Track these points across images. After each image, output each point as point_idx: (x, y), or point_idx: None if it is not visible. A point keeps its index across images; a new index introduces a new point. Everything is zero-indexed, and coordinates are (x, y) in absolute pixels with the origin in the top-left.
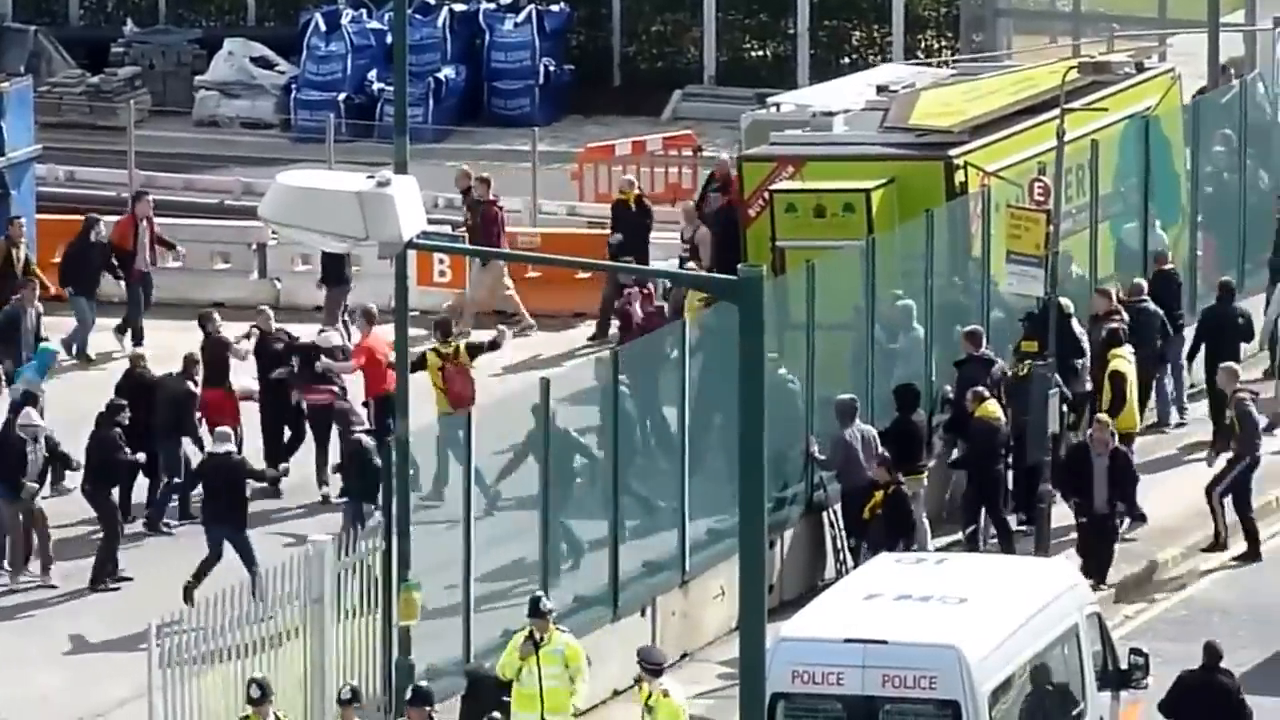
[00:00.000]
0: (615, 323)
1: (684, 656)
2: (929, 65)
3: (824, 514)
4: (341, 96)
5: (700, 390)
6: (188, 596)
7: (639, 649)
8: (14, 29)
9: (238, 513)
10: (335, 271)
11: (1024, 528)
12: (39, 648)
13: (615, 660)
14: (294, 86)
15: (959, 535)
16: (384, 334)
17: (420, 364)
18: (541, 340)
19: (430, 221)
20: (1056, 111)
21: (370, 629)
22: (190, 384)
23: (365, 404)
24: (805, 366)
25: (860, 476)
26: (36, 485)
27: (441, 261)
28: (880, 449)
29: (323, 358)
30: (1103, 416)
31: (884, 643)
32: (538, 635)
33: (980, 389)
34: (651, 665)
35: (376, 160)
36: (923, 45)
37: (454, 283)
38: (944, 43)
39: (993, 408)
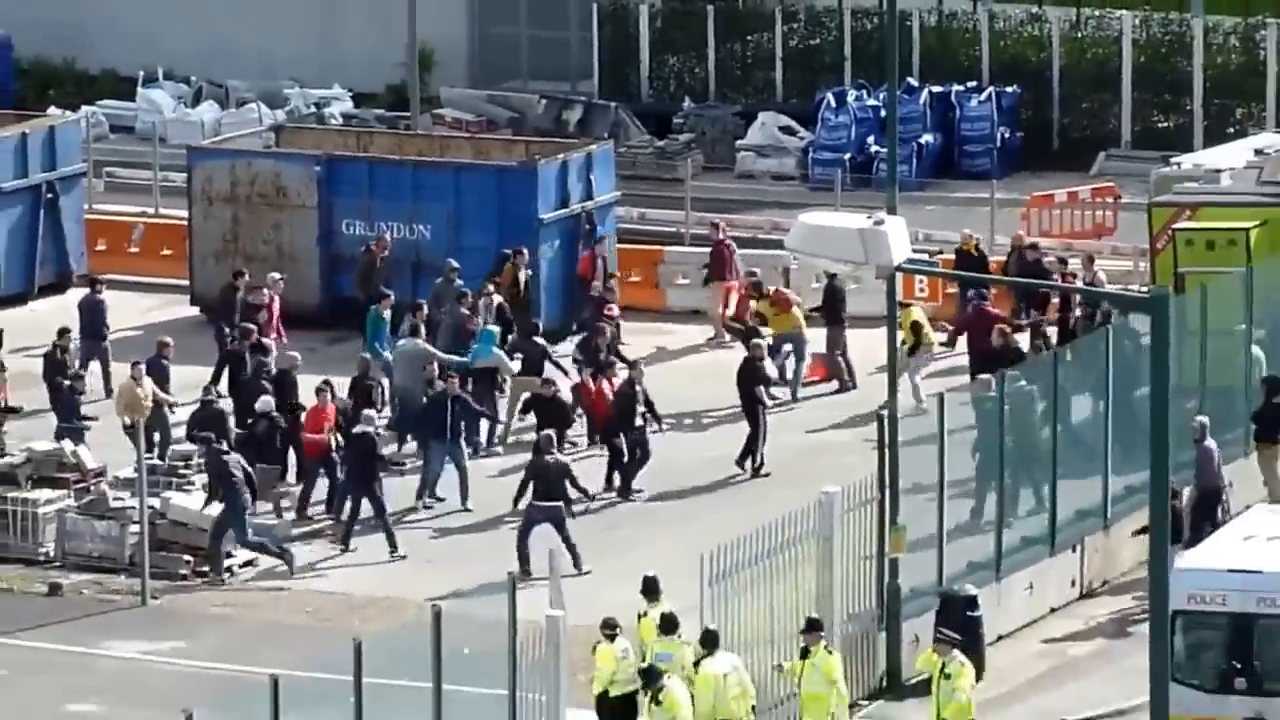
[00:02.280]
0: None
1: (1104, 584)
2: None
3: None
4: (847, 156)
5: (1117, 380)
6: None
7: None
8: (599, 105)
9: None
10: (833, 311)
11: None
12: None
13: (1052, 586)
14: (811, 148)
15: None
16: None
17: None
18: None
19: (913, 251)
20: None
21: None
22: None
23: None
24: (1198, 366)
25: (1211, 481)
26: None
27: (921, 281)
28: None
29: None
30: None
31: (1259, 572)
32: (808, 646)
33: None
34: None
35: (873, 205)
36: None
37: (930, 297)
38: None
39: None
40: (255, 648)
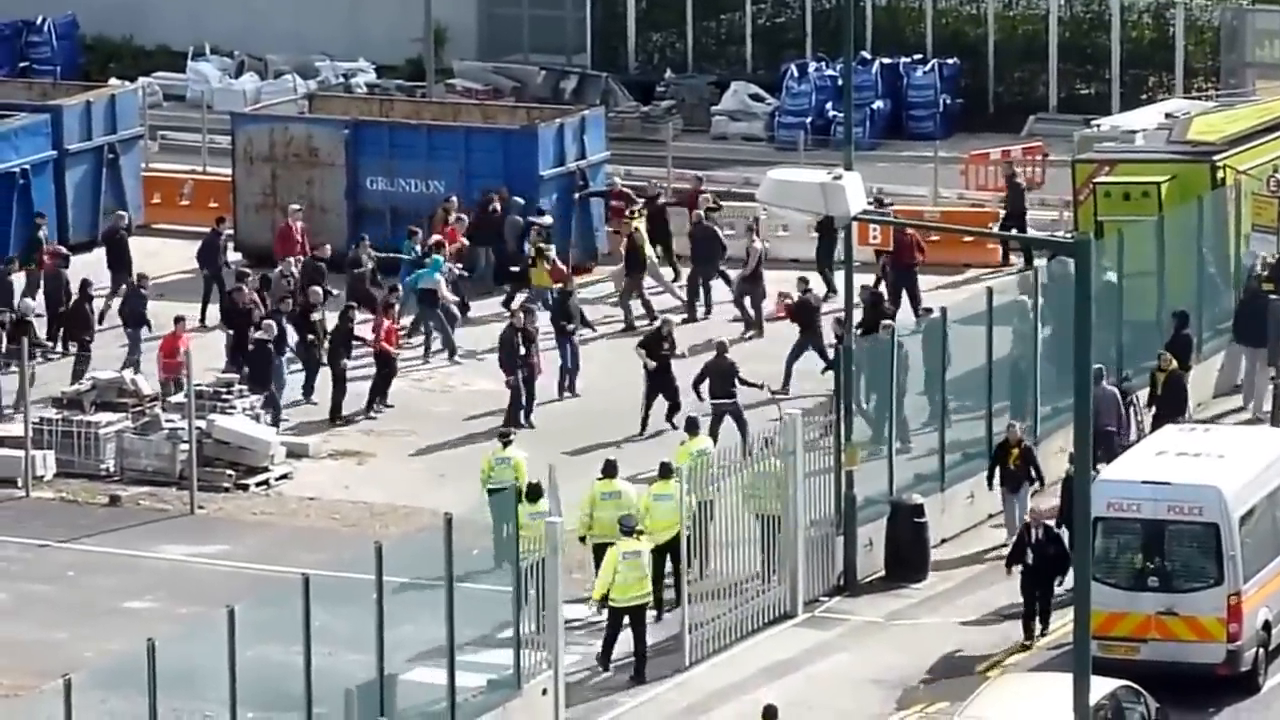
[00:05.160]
0: None
1: (1033, 494)
2: (1200, 100)
3: (1130, 397)
4: (808, 120)
5: (1047, 312)
6: None
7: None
8: (591, 75)
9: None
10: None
11: None
12: None
13: (989, 496)
14: (777, 113)
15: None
16: None
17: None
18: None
19: (867, 203)
20: None
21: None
22: None
23: None
24: (1116, 300)
25: (1101, 424)
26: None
27: (874, 229)
28: (1121, 406)
29: None
30: None
31: (1168, 484)
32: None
33: None
34: (626, 528)
35: (832, 162)
36: (1196, 86)
37: (883, 243)
38: (1210, 84)
39: None
40: (289, 550)
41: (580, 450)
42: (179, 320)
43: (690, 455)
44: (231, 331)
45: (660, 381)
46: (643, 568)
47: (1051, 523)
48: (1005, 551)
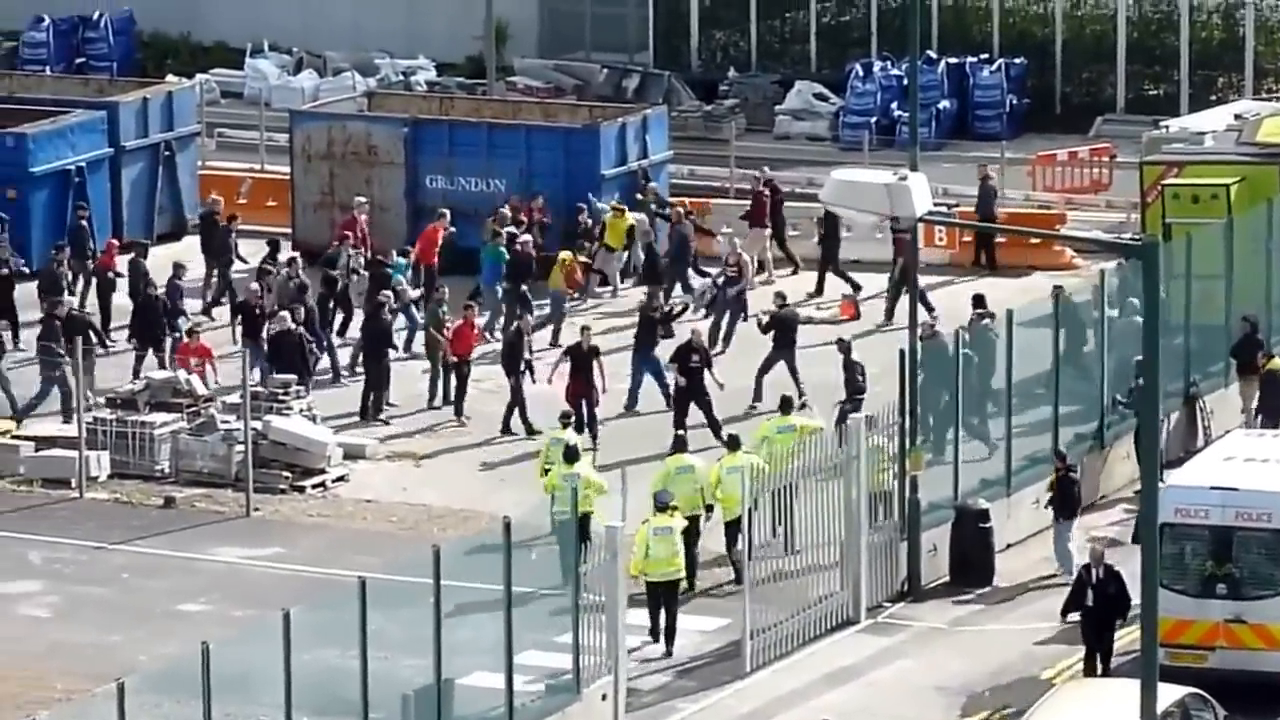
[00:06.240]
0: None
1: (1101, 498)
2: (1270, 101)
3: (1197, 402)
4: (873, 120)
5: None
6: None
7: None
8: (654, 74)
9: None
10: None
11: None
12: None
13: None
14: (841, 113)
15: None
16: None
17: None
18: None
19: (934, 204)
20: None
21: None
22: None
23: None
24: (1184, 303)
25: None
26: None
27: (940, 231)
28: None
29: None
30: None
31: (1236, 490)
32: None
33: None
34: (660, 503)
35: (897, 163)
36: (1266, 87)
37: (948, 245)
38: None
39: None
40: (345, 553)
41: (634, 460)
42: (192, 333)
43: (774, 430)
44: (244, 330)
45: (691, 395)
46: (675, 544)
47: (1112, 561)
48: (1057, 577)
